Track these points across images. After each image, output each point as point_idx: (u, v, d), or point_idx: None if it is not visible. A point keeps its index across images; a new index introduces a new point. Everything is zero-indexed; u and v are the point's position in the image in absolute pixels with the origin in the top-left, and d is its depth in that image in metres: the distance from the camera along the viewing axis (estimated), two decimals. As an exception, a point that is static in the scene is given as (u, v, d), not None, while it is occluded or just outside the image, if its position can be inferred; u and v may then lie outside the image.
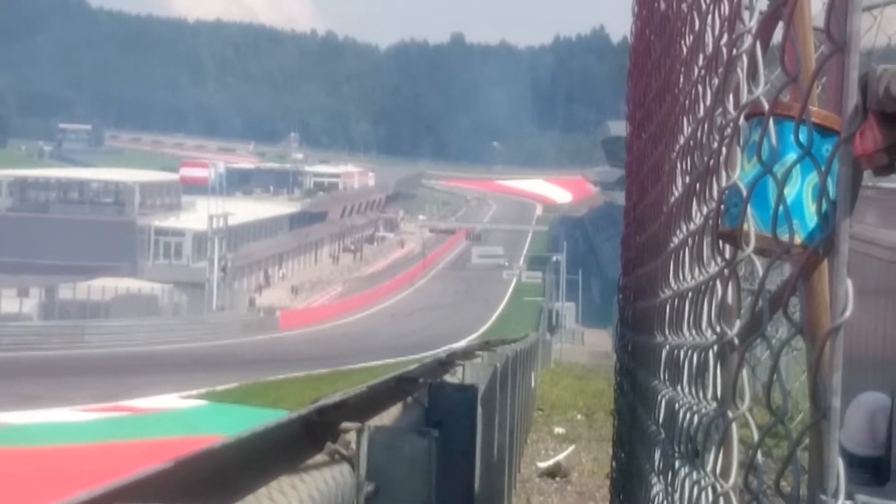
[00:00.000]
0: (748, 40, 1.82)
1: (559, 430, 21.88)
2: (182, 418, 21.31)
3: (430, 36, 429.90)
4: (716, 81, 2.23)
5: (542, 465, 17.23)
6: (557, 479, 16.45)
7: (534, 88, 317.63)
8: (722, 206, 1.86)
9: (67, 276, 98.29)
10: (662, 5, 4.20)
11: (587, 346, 67.94)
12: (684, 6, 3.09)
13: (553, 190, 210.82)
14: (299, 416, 3.66)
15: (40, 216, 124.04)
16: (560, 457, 17.81)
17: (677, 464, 2.64)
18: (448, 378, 7.75)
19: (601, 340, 65.52)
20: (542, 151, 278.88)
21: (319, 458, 3.46)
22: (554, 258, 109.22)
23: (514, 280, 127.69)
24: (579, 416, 23.81)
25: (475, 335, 56.68)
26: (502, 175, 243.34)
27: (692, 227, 2.57)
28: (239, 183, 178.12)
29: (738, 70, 1.88)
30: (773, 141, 1.57)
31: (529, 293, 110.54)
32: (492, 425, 9.02)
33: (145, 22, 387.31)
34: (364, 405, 4.56)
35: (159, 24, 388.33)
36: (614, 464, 7.28)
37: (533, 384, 23.19)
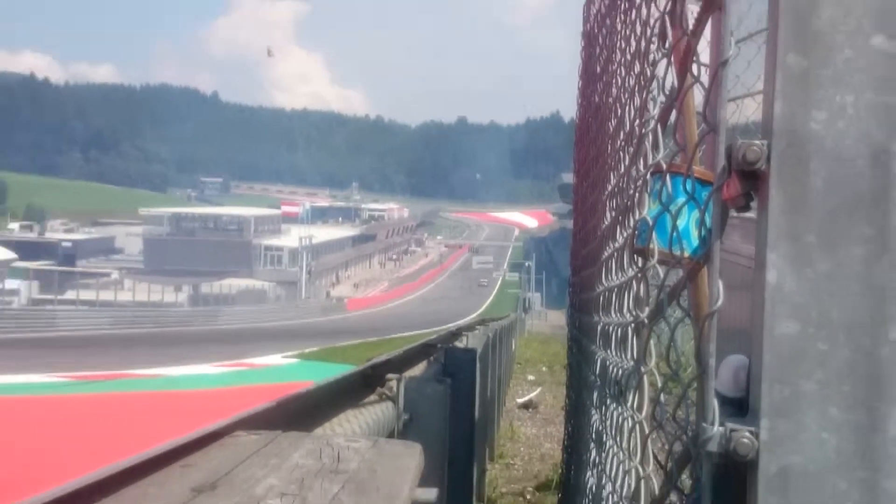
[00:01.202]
0: (652, 123, 1.82)
1: (531, 377, 21.79)
2: (282, 371, 21.13)
3: (444, 118, 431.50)
4: (631, 149, 2.22)
5: (520, 400, 17.16)
6: (530, 409, 16.40)
7: (512, 153, 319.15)
8: (636, 232, 1.86)
9: (206, 277, 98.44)
10: (596, 98, 4.19)
11: (549, 321, 67.59)
12: (611, 100, 3.09)
13: (525, 219, 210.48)
14: (359, 370, 3.66)
15: (189, 238, 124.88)
16: (531, 395, 17.75)
17: (608, 401, 2.63)
18: (457, 343, 7.73)
19: (558, 318, 65.16)
20: (518, 193, 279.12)
21: (372, 397, 3.44)
22: (526, 264, 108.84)
23: (500, 279, 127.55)
24: (544, 368, 23.72)
25: (475, 315, 56.61)
26: (492, 209, 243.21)
27: (617, 245, 2.56)
28: (319, 216, 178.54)
29: (646, 142, 1.87)
30: (669, 189, 1.57)
31: (510, 287, 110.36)
32: (486, 375, 9.00)
33: (257, 110, 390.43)
34: (401, 362, 4.55)
35: (266, 112, 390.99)
36: (567, 400, 7.25)
37: (513, 347, 23.13)
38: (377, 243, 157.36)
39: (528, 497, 9.20)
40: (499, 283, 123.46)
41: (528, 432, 13.76)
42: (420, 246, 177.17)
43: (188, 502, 1.33)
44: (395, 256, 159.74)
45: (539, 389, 18.81)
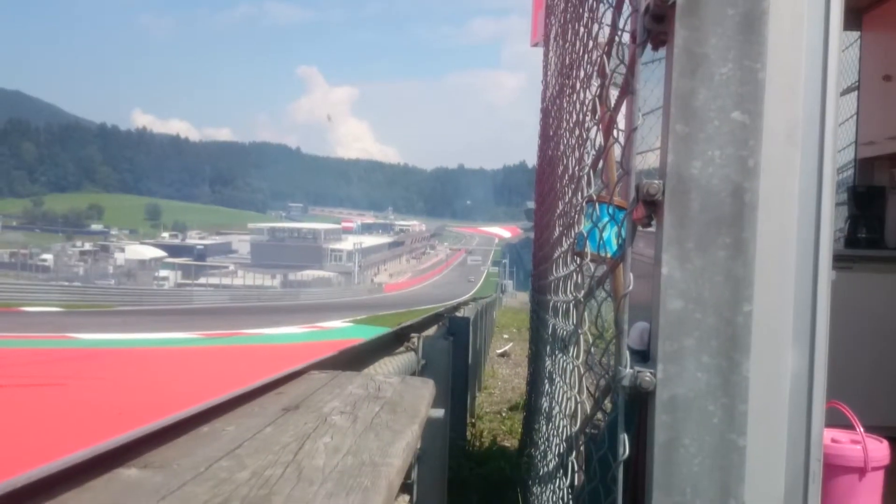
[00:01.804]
0: (587, 169, 1.81)
1: (505, 336, 21.71)
2: (342, 331, 21.00)
3: (449, 164, 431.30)
4: (573, 186, 2.22)
5: (498, 351, 17.10)
6: (505, 357, 16.34)
7: (494, 188, 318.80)
8: (575, 240, 1.86)
9: (291, 269, 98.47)
10: (550, 152, 4.17)
11: (518, 299, 66.91)
12: (559, 153, 3.08)
13: (503, 231, 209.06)
14: (393, 331, 3.65)
15: (280, 243, 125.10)
16: (506, 347, 17.68)
17: (556, 352, 2.61)
18: (457, 313, 7.71)
19: (524, 297, 64.83)
20: (498, 215, 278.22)
21: (401, 349, 3.43)
22: (503, 261, 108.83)
23: (486, 271, 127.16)
24: (514, 330, 23.60)
25: (468, 295, 56.52)
26: (480, 225, 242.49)
27: (563, 249, 2.55)
28: (366, 229, 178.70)
29: (583, 182, 1.86)
30: (598, 213, 1.57)
31: (492, 276, 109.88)
32: (476, 334, 8.99)
33: (325, 159, 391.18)
34: (421, 326, 4.54)
35: (331, 160, 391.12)
36: (529, 351, 7.23)
37: (494, 316, 23.09)
38: (404, 247, 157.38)
39: (504, 414, 9.17)
40: (484, 274, 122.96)
41: (503, 373, 13.73)
42: (433, 249, 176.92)
43: (280, 417, 1.33)
44: (416, 256, 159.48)
45: (511, 344, 18.75)
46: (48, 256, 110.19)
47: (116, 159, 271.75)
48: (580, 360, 1.82)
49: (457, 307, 10.31)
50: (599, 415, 1.51)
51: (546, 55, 5.72)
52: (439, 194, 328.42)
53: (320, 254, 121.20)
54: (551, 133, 4.14)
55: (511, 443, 7.48)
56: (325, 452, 1.10)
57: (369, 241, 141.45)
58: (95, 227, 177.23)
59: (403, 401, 1.55)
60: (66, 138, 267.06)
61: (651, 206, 1.11)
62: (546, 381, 3.21)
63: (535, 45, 7.76)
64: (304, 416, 1.35)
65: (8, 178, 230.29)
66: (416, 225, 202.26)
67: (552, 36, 4.66)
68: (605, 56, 1.55)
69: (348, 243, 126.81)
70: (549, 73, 5.11)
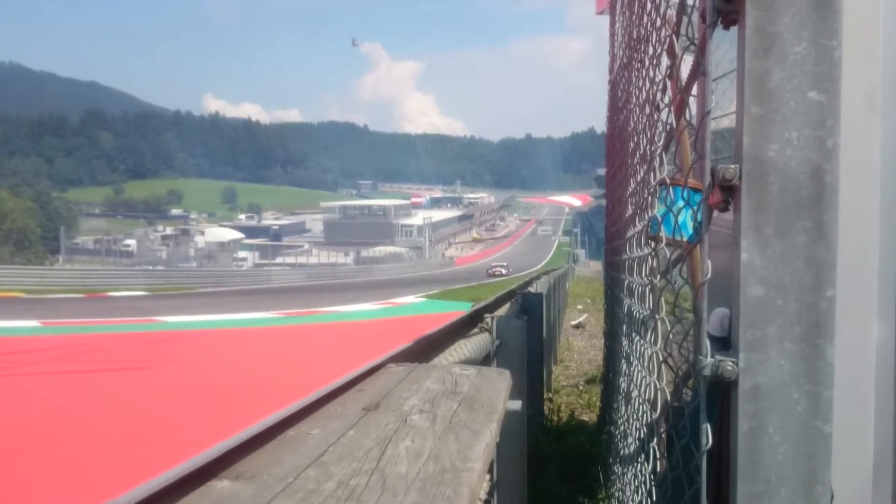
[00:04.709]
0: (659, 150, 1.79)
1: (579, 307, 21.57)
2: (416, 306, 21.19)
3: (516, 134, 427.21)
4: (645, 166, 2.18)
5: (573, 322, 17.01)
6: (580, 329, 16.27)
7: (563, 156, 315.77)
8: (649, 224, 1.83)
9: (364, 246, 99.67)
10: (620, 123, 4.11)
11: (591, 268, 66.12)
12: (629, 128, 3.03)
13: (573, 200, 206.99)
14: (468, 312, 3.67)
15: (352, 221, 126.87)
16: (580, 319, 17.58)
17: (633, 334, 2.60)
18: (530, 289, 7.70)
19: (597, 265, 63.98)
20: (566, 183, 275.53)
21: (475, 330, 3.45)
22: (574, 230, 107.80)
23: (556, 241, 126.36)
24: (588, 300, 23.43)
25: (540, 265, 56.15)
26: (549, 194, 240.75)
27: (636, 230, 2.52)
28: (435, 204, 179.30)
29: (655, 163, 1.84)
30: (671, 196, 1.54)
31: (564, 246, 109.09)
32: (549, 308, 8.95)
33: (392, 136, 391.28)
34: (494, 305, 4.55)
35: (399, 136, 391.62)
36: (605, 324, 7.18)
37: (567, 287, 22.95)
38: (474, 220, 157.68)
39: (581, 388, 9.14)
40: (556, 244, 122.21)
41: (579, 344, 13.67)
42: (502, 221, 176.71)
43: (361, 418, 1.35)
44: (486, 228, 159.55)
45: (586, 315, 18.63)
46: (131, 242, 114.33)
47: (192, 145, 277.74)
48: (658, 346, 1.80)
49: (528, 282, 10.30)
50: (679, 402, 1.50)
51: (612, 24, 5.61)
52: (507, 165, 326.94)
53: (391, 230, 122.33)
54: (620, 105, 4.07)
55: (589, 417, 7.46)
56: (407, 458, 1.12)
57: (438, 215, 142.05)
58: (175, 211, 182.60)
59: (480, 395, 1.56)
60: (143, 126, 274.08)
61: (728, 191, 1.10)
62: (623, 361, 3.19)
63: (601, 13, 7.62)
64: (385, 417, 1.37)
65: (89, 167, 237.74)
66: (484, 197, 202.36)
67: (619, 5, 4.56)
68: (673, 35, 1.51)
69: (418, 218, 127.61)
70: (616, 43, 5.01)
